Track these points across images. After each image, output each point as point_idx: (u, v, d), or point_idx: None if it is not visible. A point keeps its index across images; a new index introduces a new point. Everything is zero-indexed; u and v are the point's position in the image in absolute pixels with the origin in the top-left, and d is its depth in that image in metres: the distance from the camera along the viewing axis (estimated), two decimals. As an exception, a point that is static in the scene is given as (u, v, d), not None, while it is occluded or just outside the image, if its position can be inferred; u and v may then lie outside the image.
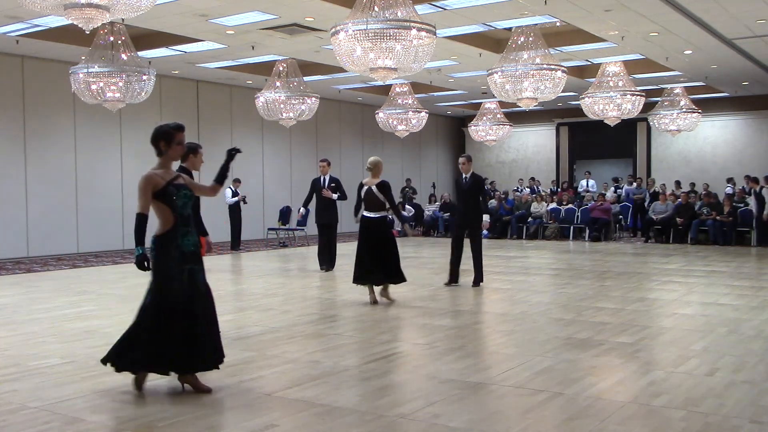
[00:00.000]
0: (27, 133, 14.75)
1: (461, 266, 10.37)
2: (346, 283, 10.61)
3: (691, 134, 21.19)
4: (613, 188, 21.16)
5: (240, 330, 6.99)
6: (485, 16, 12.07)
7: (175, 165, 5.23)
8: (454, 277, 10.28)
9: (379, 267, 8.47)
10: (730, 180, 20.69)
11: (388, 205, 8.60)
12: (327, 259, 12.03)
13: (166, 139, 4.85)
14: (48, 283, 10.84)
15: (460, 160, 10.41)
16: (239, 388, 4.70)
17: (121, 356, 4.78)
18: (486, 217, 10.22)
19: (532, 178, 24.02)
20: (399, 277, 8.65)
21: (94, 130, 15.80)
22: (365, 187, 8.62)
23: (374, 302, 8.48)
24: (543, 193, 21.31)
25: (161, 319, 4.72)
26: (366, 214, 8.61)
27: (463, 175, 10.29)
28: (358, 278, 8.58)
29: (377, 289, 8.68)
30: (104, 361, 4.82)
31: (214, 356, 4.88)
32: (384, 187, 8.53)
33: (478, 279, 10.17)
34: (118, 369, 4.81)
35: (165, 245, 4.78)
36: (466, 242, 10.23)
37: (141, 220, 4.75)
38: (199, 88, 18.08)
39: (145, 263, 4.79)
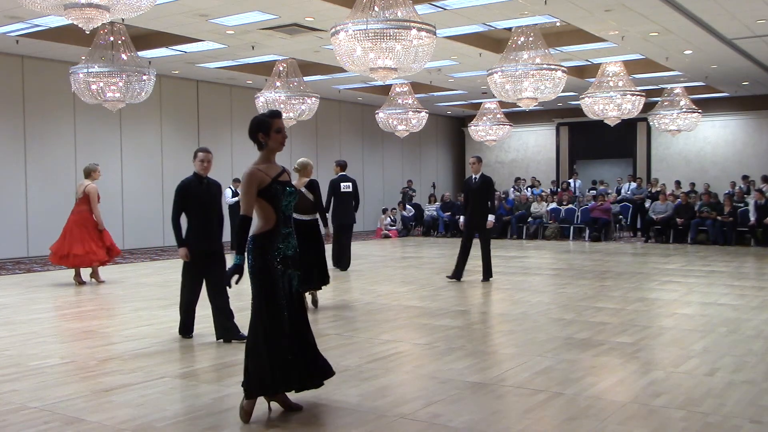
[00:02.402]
0: (27, 133, 14.74)
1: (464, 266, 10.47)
2: (346, 283, 10.62)
3: (691, 134, 21.18)
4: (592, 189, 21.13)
5: (240, 330, 6.98)
6: (485, 16, 12.06)
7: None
8: (457, 273, 10.48)
9: (312, 272, 8.10)
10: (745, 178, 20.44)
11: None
12: (340, 260, 12.25)
13: (263, 129, 4.41)
14: (48, 283, 10.84)
15: (471, 160, 10.67)
16: (239, 389, 4.68)
17: (251, 382, 4.29)
18: (491, 217, 10.37)
19: (533, 178, 24.00)
20: (324, 281, 8.36)
21: (94, 130, 15.79)
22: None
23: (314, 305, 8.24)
24: (543, 193, 21.31)
25: (271, 328, 4.28)
26: (297, 217, 8.06)
27: (473, 176, 10.48)
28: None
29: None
30: (245, 388, 4.32)
31: (317, 371, 4.48)
32: (313, 186, 8.25)
33: (487, 275, 10.44)
34: (249, 396, 4.30)
35: (264, 246, 4.31)
36: (476, 242, 10.41)
37: (244, 224, 4.25)
38: (199, 88, 18.08)
39: (238, 277, 4.25)
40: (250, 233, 4.34)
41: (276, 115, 4.48)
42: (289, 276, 4.38)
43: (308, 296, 8.32)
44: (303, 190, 8.23)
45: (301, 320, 4.46)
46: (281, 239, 4.37)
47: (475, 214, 10.39)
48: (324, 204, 12.17)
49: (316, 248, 8.29)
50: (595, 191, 20.92)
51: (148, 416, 4.37)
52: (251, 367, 4.29)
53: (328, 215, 12.19)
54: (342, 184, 12.15)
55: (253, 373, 4.27)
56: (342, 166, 12.42)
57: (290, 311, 4.38)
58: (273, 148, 4.46)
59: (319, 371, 4.50)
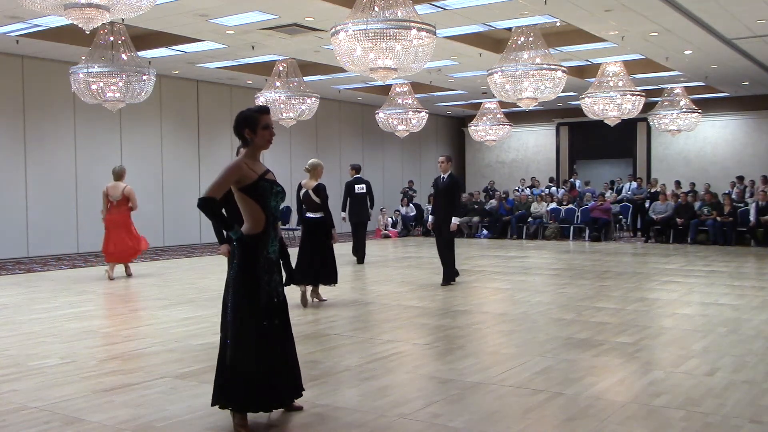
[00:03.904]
0: (27, 133, 14.74)
1: (457, 265, 10.42)
2: (346, 283, 10.61)
3: (691, 134, 21.18)
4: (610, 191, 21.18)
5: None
6: (485, 16, 12.06)
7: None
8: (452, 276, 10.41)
9: (313, 268, 8.35)
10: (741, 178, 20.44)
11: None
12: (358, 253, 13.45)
13: (250, 125, 4.15)
14: (48, 283, 10.84)
15: (440, 159, 10.42)
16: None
17: (224, 394, 4.13)
18: (455, 220, 10.07)
19: (533, 178, 23.99)
20: (332, 279, 8.57)
21: (94, 130, 15.78)
22: (303, 190, 8.53)
23: (306, 305, 8.27)
24: (543, 194, 21.30)
25: (258, 342, 4.10)
26: (309, 215, 8.51)
27: (441, 175, 10.33)
28: (296, 279, 8.03)
29: (308, 288, 8.55)
30: (215, 403, 4.19)
31: (293, 386, 4.34)
32: (319, 190, 8.43)
33: (448, 278, 10.17)
34: (230, 408, 4.15)
35: (253, 250, 4.09)
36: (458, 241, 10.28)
37: (212, 205, 4.01)
38: (199, 88, 18.08)
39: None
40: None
41: (264, 110, 4.23)
42: (275, 281, 4.21)
43: (300, 292, 8.35)
44: (310, 192, 8.45)
45: (285, 329, 4.29)
46: (270, 242, 4.16)
47: (442, 214, 10.21)
48: (341, 204, 13.25)
49: (321, 246, 8.46)
50: (612, 190, 20.93)
51: (148, 416, 4.37)
52: (232, 380, 4.09)
53: (345, 214, 13.23)
54: (356, 186, 13.32)
55: (234, 388, 4.08)
56: (357, 169, 13.66)
57: (276, 319, 4.20)
58: (259, 146, 4.20)
59: (292, 388, 4.32)
